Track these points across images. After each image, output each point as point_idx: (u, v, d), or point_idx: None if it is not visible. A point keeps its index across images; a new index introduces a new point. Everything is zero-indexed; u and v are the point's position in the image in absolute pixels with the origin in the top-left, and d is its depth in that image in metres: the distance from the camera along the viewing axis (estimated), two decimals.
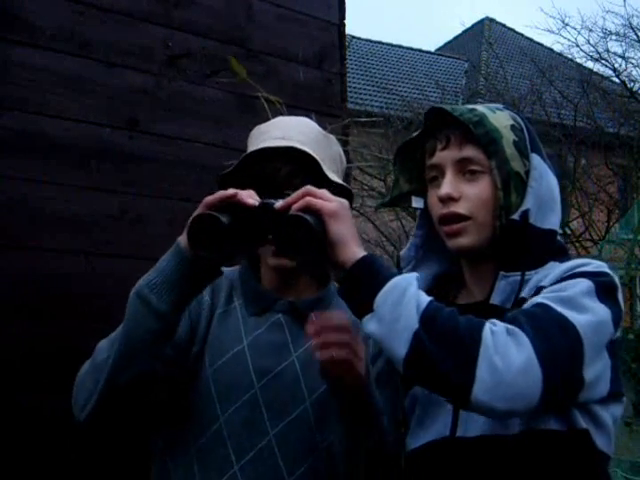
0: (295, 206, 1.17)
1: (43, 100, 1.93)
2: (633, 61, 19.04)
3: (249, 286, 1.49)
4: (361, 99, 14.59)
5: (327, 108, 2.42)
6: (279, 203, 1.18)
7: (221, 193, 1.22)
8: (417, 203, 1.37)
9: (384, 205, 1.50)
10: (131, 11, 2.10)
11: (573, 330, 1.10)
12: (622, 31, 13.65)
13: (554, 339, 1.09)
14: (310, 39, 2.46)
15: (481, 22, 20.93)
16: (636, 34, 13.54)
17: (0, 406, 1.76)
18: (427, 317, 1.08)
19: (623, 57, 14.26)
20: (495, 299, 1.25)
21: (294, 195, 1.18)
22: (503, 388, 1.04)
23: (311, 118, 1.55)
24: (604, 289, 1.18)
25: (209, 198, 1.23)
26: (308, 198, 1.17)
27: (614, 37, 13.63)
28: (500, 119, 1.30)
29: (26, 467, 1.79)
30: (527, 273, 1.25)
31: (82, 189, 1.95)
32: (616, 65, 13.62)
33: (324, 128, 1.54)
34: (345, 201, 1.19)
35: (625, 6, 29.50)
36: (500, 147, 1.26)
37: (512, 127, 1.30)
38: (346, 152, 2.46)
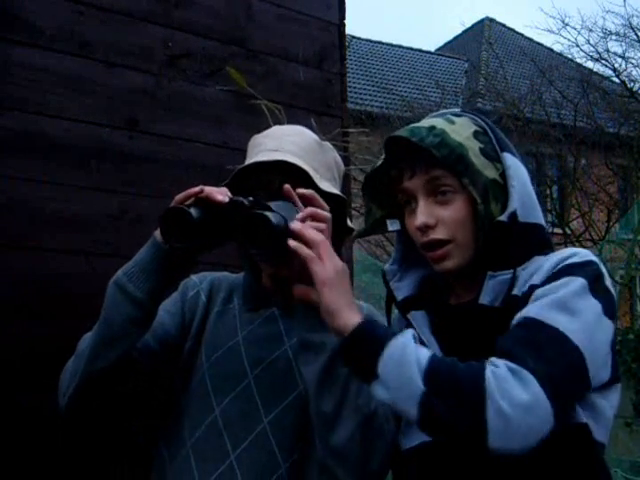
0: (296, 248, 1.19)
1: (43, 100, 1.93)
2: (633, 61, 19.06)
3: (247, 286, 1.53)
4: (361, 99, 14.60)
5: (327, 108, 2.42)
6: (294, 224, 1.21)
7: (189, 190, 1.29)
8: (392, 226, 1.36)
9: (361, 236, 1.50)
10: (131, 11, 2.10)
11: (571, 345, 1.10)
12: (622, 31, 13.64)
13: (556, 363, 1.08)
14: (310, 39, 2.46)
15: (481, 22, 20.93)
16: (636, 34, 13.54)
17: (0, 406, 1.77)
18: (430, 376, 1.08)
19: (623, 57, 14.28)
20: (484, 299, 1.23)
21: (299, 223, 1.21)
22: (515, 431, 1.05)
23: (311, 123, 1.56)
24: (596, 281, 1.17)
25: (179, 195, 1.31)
26: (313, 256, 1.18)
27: (614, 37, 13.63)
28: (461, 130, 1.27)
29: (26, 467, 1.79)
30: (511, 271, 1.23)
31: (82, 189, 1.95)
32: (616, 65, 13.62)
33: (324, 129, 1.55)
34: (342, 265, 1.20)
35: (625, 6, 29.53)
36: (469, 161, 1.23)
37: (475, 134, 1.27)
38: (345, 156, 2.46)
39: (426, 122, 1.30)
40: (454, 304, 1.32)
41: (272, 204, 1.24)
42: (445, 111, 1.35)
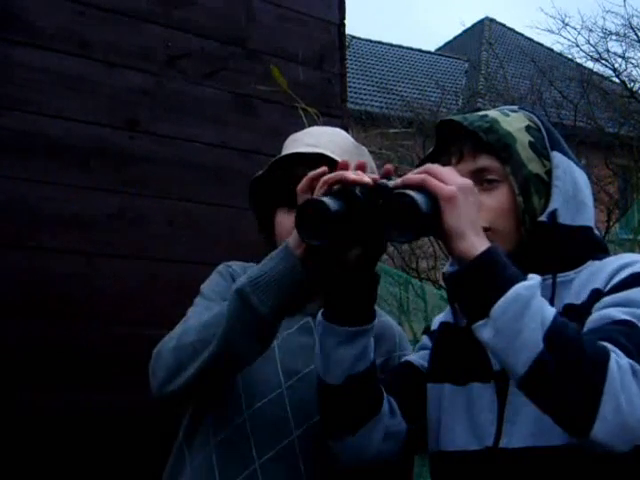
0: (408, 182, 1.10)
1: (43, 100, 1.93)
2: (633, 61, 19.05)
3: None
4: (361, 99, 14.60)
5: (327, 108, 2.42)
6: (395, 181, 1.12)
7: (310, 174, 1.20)
8: None
9: None
10: (131, 11, 2.10)
11: None
12: (622, 31, 13.62)
13: None
14: (310, 39, 2.46)
15: (481, 22, 20.93)
16: (636, 34, 13.52)
17: (0, 405, 1.77)
18: (552, 336, 1.01)
19: (623, 57, 14.20)
20: None
21: (414, 172, 1.12)
22: (625, 431, 1.00)
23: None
24: None
25: (305, 182, 1.21)
26: (424, 176, 1.10)
27: (614, 37, 13.60)
28: (513, 122, 1.27)
29: (26, 466, 1.79)
30: (564, 274, 1.21)
31: (82, 189, 1.95)
32: (616, 65, 13.60)
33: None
34: (469, 182, 1.12)
35: (625, 6, 29.35)
36: (514, 151, 1.23)
37: (527, 128, 1.27)
38: None
39: (480, 113, 1.30)
40: None
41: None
42: (503, 107, 1.34)
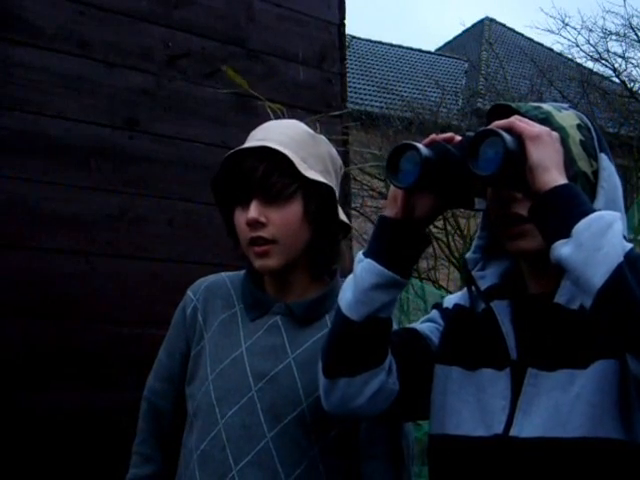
0: (497, 126, 1.15)
1: (43, 100, 1.93)
2: (633, 61, 19.05)
3: (248, 290, 1.50)
4: (361, 99, 14.60)
5: (327, 108, 2.42)
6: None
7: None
8: (480, 205, 1.30)
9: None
10: (131, 11, 2.10)
11: None
12: (622, 31, 13.61)
13: None
14: (310, 39, 2.46)
15: (481, 22, 20.92)
16: (636, 34, 13.52)
17: (0, 405, 1.77)
18: (632, 257, 1.04)
19: (623, 57, 14.20)
20: (560, 298, 1.21)
21: (501, 121, 1.18)
22: None
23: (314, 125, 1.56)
24: None
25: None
26: (511, 120, 1.16)
27: (614, 37, 13.59)
28: (566, 118, 1.27)
29: (25, 466, 1.79)
30: None
31: (82, 189, 1.96)
32: (616, 65, 13.60)
33: (324, 128, 1.55)
34: (555, 133, 1.18)
35: (625, 6, 29.47)
36: (566, 147, 1.22)
37: (578, 126, 1.27)
38: (346, 152, 2.46)
39: (534, 104, 1.31)
40: (532, 293, 1.29)
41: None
42: (554, 103, 1.35)
